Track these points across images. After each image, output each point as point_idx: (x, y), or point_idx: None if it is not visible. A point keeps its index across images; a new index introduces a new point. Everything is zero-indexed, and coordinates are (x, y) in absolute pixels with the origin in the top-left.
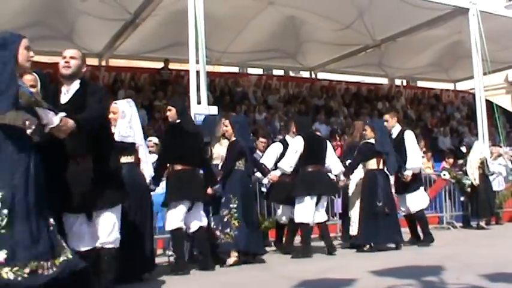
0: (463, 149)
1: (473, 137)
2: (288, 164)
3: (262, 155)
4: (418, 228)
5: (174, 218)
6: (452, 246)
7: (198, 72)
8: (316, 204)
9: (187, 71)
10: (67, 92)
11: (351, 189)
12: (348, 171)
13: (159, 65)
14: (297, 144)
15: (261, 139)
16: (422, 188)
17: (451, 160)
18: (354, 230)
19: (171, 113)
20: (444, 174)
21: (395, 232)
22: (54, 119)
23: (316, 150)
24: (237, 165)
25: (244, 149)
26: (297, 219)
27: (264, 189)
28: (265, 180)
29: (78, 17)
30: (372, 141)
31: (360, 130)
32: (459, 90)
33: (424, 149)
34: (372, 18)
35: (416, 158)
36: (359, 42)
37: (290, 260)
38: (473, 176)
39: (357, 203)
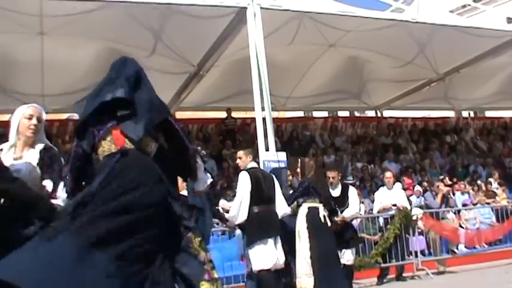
0: None
1: None
2: None
3: None
4: None
5: None
6: None
7: (264, 119)
8: None
9: (253, 119)
10: None
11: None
12: None
13: (225, 114)
14: None
15: None
16: (267, 242)
17: None
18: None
19: None
20: None
21: None
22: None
23: None
24: None
25: None
26: None
27: None
28: None
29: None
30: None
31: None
32: None
33: (498, 180)
34: (434, 51)
35: (233, 210)
36: (422, 77)
37: None
38: None
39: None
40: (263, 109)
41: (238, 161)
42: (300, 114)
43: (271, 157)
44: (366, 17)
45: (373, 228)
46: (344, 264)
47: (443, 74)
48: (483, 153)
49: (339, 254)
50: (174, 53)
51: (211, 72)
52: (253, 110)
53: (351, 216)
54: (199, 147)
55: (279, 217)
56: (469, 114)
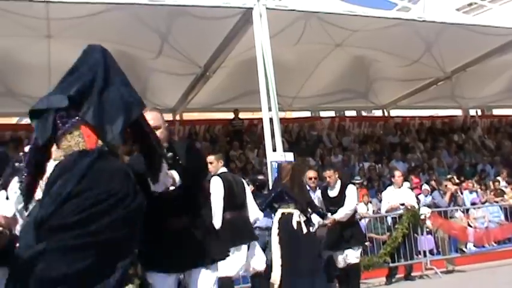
0: None
1: None
2: None
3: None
4: None
5: None
6: None
7: (271, 120)
8: None
9: (260, 119)
10: None
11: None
12: None
13: (233, 115)
14: None
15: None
16: (241, 249)
17: None
18: None
19: None
20: None
21: None
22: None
23: None
24: None
25: None
26: None
27: None
28: None
29: (151, 74)
30: None
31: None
32: None
33: (507, 179)
34: (440, 50)
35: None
36: (429, 76)
37: None
38: None
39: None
40: (270, 109)
41: (208, 166)
42: (307, 114)
43: (279, 157)
44: (372, 16)
45: (382, 228)
46: (348, 264)
47: (450, 73)
48: (491, 152)
49: (340, 255)
50: (181, 54)
51: (217, 73)
52: (260, 111)
53: (344, 216)
54: (169, 154)
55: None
56: (477, 112)
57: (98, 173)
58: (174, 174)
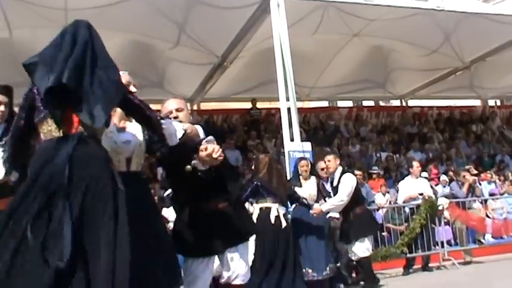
0: None
1: None
2: None
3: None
4: None
5: None
6: None
7: (288, 109)
8: None
9: (277, 109)
10: None
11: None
12: None
13: (250, 105)
14: None
15: (356, 172)
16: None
17: None
18: None
19: None
20: None
21: None
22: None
23: None
24: None
25: None
26: None
27: None
28: None
29: (168, 64)
30: None
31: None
32: None
33: None
34: (459, 40)
35: None
36: (448, 66)
37: None
38: None
39: None
40: (288, 99)
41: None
42: (325, 104)
43: (296, 147)
44: (390, 6)
45: (399, 219)
46: (358, 257)
47: (469, 63)
48: (510, 143)
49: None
50: (198, 44)
51: (235, 63)
52: (278, 101)
53: (332, 208)
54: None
55: None
56: (495, 102)
57: (76, 160)
58: (198, 128)
